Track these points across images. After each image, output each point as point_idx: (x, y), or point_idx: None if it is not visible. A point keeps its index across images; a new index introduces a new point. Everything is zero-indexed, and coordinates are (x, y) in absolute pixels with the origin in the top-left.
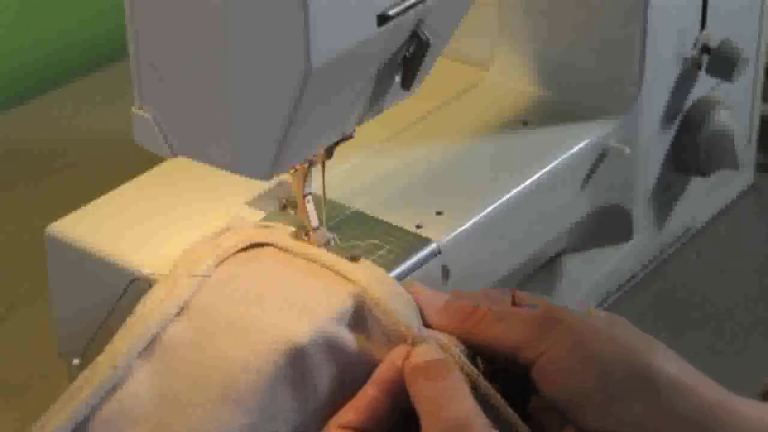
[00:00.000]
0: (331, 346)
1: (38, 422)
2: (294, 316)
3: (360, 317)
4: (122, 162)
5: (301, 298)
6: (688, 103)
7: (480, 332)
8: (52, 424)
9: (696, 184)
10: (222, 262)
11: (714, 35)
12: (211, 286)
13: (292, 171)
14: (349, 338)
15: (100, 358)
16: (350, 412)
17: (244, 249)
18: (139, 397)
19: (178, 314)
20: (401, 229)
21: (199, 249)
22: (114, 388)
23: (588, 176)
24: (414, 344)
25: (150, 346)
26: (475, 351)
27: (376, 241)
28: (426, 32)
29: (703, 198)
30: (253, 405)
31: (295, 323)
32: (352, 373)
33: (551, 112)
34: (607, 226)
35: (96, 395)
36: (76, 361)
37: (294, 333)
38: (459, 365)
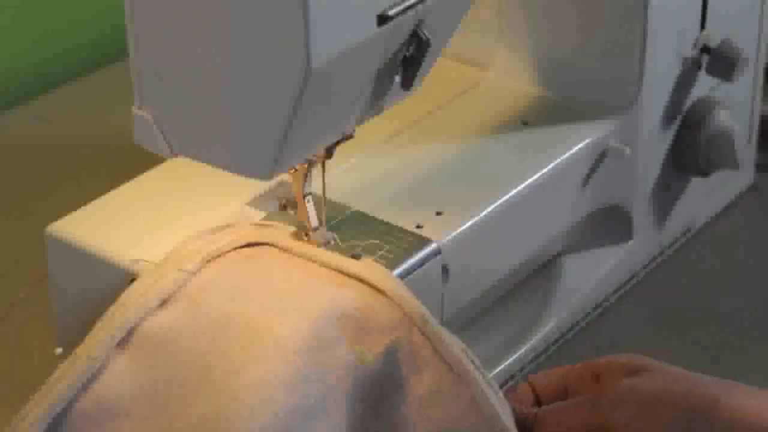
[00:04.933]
0: (317, 344)
1: (19, 414)
2: (281, 312)
3: (355, 317)
4: (122, 162)
5: (293, 296)
6: (688, 103)
7: None
8: (32, 416)
9: (696, 184)
10: (214, 259)
11: (714, 35)
12: (200, 281)
13: (292, 171)
14: (338, 337)
15: (78, 349)
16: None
17: (242, 248)
18: (118, 390)
19: (161, 306)
20: (401, 229)
21: (191, 244)
22: (92, 379)
23: (588, 176)
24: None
25: (128, 337)
26: None
27: (376, 241)
28: (426, 32)
29: (703, 198)
30: None
31: (281, 320)
32: (342, 373)
33: (551, 112)
34: (607, 226)
35: (73, 387)
36: (59, 351)
37: (278, 329)
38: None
